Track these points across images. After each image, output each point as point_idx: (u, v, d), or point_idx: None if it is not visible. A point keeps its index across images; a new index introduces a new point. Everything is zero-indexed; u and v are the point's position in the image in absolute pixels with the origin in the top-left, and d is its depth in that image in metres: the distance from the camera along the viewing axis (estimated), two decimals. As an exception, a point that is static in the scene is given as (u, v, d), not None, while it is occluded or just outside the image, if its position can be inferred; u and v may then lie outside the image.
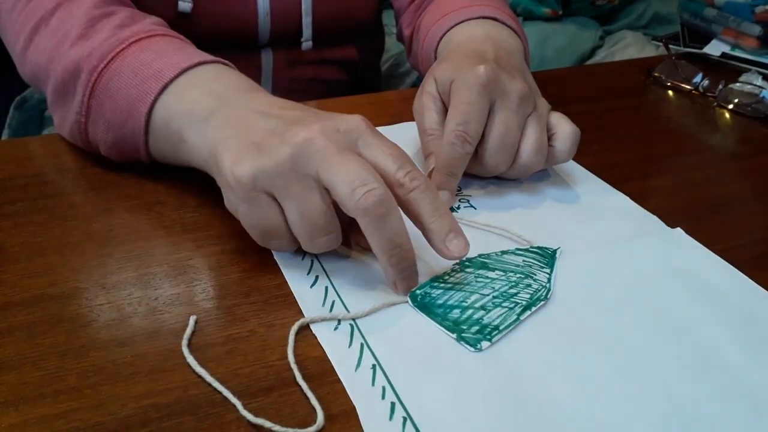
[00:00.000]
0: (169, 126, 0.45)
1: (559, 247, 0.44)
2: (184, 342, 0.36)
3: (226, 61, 0.49)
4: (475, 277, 0.41)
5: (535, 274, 0.42)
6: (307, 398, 0.33)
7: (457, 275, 0.41)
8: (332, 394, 0.33)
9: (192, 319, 0.37)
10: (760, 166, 0.59)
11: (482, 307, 0.39)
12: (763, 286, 0.42)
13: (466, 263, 0.42)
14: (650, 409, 0.33)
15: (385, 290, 0.40)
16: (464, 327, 0.37)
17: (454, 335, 0.37)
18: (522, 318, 0.38)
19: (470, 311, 0.39)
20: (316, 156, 0.38)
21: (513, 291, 0.40)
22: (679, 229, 0.47)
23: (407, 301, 0.39)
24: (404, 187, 0.39)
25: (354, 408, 0.33)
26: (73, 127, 0.50)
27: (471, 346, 0.36)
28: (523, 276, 0.41)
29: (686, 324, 0.39)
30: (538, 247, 0.44)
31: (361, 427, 0.32)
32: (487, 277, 0.41)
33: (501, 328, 0.37)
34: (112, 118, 0.48)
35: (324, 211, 0.38)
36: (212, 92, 0.45)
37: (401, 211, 0.38)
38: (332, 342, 0.36)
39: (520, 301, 0.39)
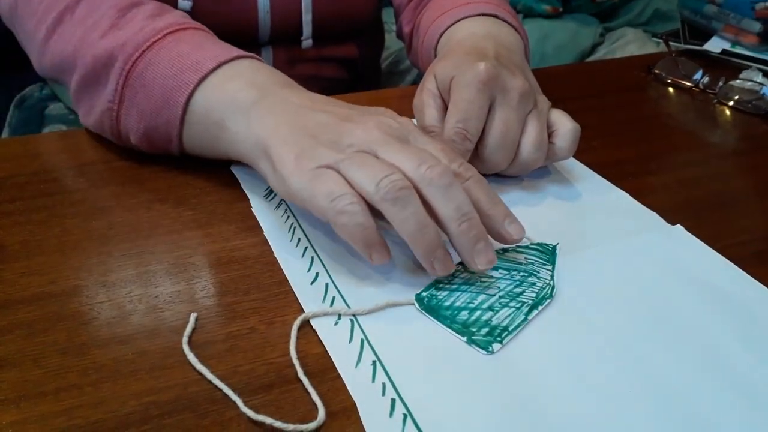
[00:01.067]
0: (209, 116, 0.46)
1: (557, 243, 0.44)
2: (185, 339, 0.36)
3: (260, 58, 0.49)
4: (479, 276, 0.41)
5: (538, 272, 0.42)
6: (307, 395, 0.33)
7: (462, 275, 0.41)
8: (333, 391, 0.33)
9: (192, 317, 0.37)
10: (760, 163, 0.59)
11: (490, 308, 0.39)
12: (763, 283, 0.42)
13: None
14: (650, 407, 0.33)
15: (386, 288, 0.40)
16: (474, 329, 0.37)
17: (465, 338, 0.37)
18: (530, 318, 0.38)
19: (478, 312, 0.38)
20: (375, 143, 0.40)
21: (518, 290, 0.40)
22: (679, 226, 0.47)
23: (412, 303, 0.39)
24: (461, 176, 0.40)
25: (355, 404, 0.33)
26: (104, 115, 0.50)
27: (482, 348, 0.36)
28: (526, 274, 0.41)
29: (686, 321, 0.39)
30: (538, 244, 0.44)
31: (362, 424, 0.32)
32: (492, 277, 0.41)
33: (510, 329, 0.37)
34: (145, 108, 0.48)
35: (386, 164, 0.38)
36: (254, 84, 0.45)
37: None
38: (332, 338, 0.36)
39: (526, 300, 0.39)
